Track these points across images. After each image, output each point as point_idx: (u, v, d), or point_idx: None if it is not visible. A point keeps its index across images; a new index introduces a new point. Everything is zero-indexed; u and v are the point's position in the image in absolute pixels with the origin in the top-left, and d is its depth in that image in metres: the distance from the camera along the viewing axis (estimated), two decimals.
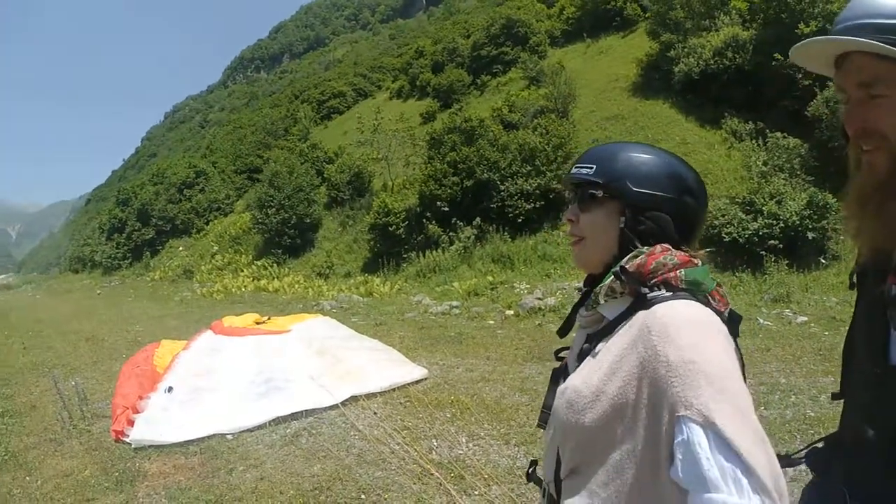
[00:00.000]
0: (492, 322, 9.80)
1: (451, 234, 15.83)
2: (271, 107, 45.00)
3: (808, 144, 12.69)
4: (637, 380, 0.96)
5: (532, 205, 15.03)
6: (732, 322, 1.07)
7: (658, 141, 15.13)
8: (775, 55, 13.63)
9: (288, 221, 21.40)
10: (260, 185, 24.38)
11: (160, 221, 31.32)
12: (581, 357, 1.12)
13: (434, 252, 15.77)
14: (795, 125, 13.15)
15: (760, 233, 10.59)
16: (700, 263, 1.07)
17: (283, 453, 4.80)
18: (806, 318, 7.92)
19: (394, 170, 21.51)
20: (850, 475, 1.08)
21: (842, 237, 10.69)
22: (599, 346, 1.08)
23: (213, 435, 5.20)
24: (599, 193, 1.13)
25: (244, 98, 77.27)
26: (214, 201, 31.64)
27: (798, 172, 12.31)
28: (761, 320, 7.96)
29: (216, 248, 26.06)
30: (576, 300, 1.23)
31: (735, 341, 1.04)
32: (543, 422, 1.20)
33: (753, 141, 13.73)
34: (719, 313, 1.04)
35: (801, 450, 1.27)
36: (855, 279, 1.15)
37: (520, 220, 15.10)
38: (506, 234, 15.14)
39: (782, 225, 10.46)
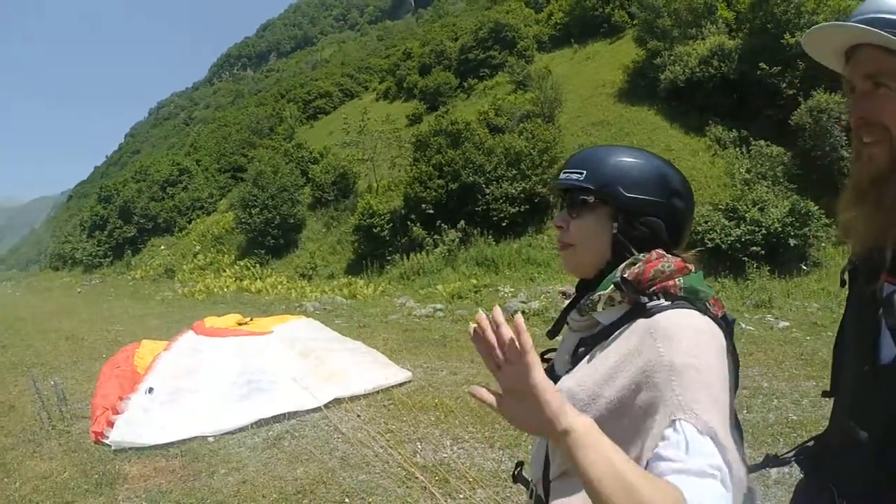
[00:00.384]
0: (476, 325, 9.78)
1: (435, 236, 15.83)
2: (257, 105, 44.77)
3: (791, 153, 12.88)
4: (637, 384, 0.97)
5: (517, 208, 15.09)
6: (727, 325, 1.07)
7: (643, 147, 15.14)
8: (760, 64, 13.83)
9: (271, 221, 21.28)
10: (244, 184, 24.28)
11: (142, 219, 30.98)
12: (575, 360, 1.11)
13: (418, 254, 15.77)
14: (779, 134, 13.34)
15: (743, 239, 10.71)
16: (693, 269, 1.07)
17: (266, 456, 4.75)
18: (787, 324, 8.02)
19: (379, 171, 21.50)
20: (838, 474, 1.08)
21: (823, 244, 10.84)
22: (595, 350, 1.07)
23: (195, 437, 5.13)
24: (590, 199, 1.12)
25: (230, 96, 76.91)
26: (197, 200, 31.36)
27: (781, 180, 12.49)
28: (743, 325, 8.04)
29: (198, 247, 25.83)
30: (559, 304, 1.23)
31: (732, 343, 1.05)
32: None
33: (737, 148, 13.91)
34: (715, 318, 1.04)
35: (790, 450, 1.27)
36: (846, 276, 1.15)
37: (504, 224, 15.15)
38: (490, 237, 15.18)
39: (764, 232, 10.60)
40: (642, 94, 17.98)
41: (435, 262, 15.28)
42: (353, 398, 5.85)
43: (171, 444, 5.02)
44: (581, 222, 1.14)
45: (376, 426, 5.17)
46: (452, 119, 18.13)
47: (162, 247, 29.05)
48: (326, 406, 5.62)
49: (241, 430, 5.28)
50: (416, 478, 4.09)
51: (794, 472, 1.23)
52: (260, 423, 5.37)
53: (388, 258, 16.67)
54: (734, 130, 14.55)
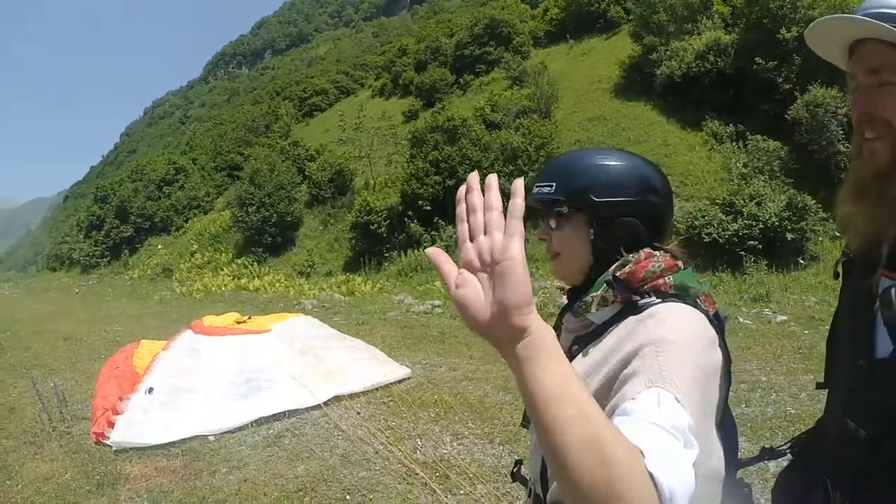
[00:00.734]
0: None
1: (432, 233, 15.84)
2: (252, 103, 44.58)
3: (788, 147, 12.88)
4: (625, 362, 0.95)
5: None
6: (719, 321, 1.08)
7: (639, 142, 15.26)
8: (757, 59, 13.82)
9: (268, 220, 21.22)
10: (240, 182, 24.18)
11: (139, 219, 30.84)
12: (569, 358, 1.12)
13: (416, 251, 15.72)
14: (775, 128, 13.33)
15: (740, 233, 10.72)
16: (683, 266, 1.09)
17: (266, 454, 4.76)
18: (785, 318, 8.04)
19: (375, 168, 21.46)
20: (832, 467, 1.08)
21: (820, 238, 10.86)
22: (589, 347, 1.09)
23: (195, 436, 5.14)
24: (564, 210, 1.13)
25: (225, 94, 76.70)
26: (194, 199, 31.24)
27: (777, 174, 12.50)
28: (741, 319, 8.06)
29: (196, 246, 25.74)
30: (558, 299, 1.24)
31: (724, 339, 1.05)
32: (527, 422, 1.20)
33: (734, 143, 13.91)
34: (706, 314, 1.05)
35: (785, 443, 1.28)
36: (840, 269, 1.15)
37: None
38: None
39: (762, 226, 10.60)
40: (638, 89, 17.94)
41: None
42: (352, 395, 5.85)
43: (172, 443, 5.02)
44: (560, 233, 1.16)
45: (376, 423, 5.18)
46: (448, 115, 18.09)
47: (159, 246, 28.96)
48: (326, 404, 5.63)
49: (242, 428, 5.29)
50: (417, 474, 4.10)
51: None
52: (260, 422, 5.38)
53: (386, 255, 16.64)
54: (731, 125, 14.53)
